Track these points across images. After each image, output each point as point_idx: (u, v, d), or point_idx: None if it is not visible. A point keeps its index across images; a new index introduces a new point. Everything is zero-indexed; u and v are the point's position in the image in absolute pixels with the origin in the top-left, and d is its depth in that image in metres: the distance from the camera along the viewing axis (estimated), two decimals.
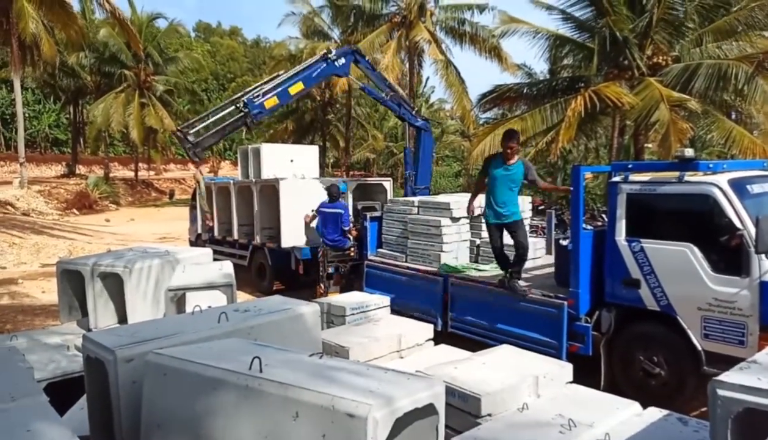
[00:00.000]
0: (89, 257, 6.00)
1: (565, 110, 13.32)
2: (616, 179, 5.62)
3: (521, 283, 6.08)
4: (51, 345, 4.68)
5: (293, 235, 10.16)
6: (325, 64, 9.51)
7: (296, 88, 9.25)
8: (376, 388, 2.09)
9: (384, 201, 10.85)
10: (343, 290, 8.53)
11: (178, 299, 4.71)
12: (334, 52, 9.76)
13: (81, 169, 39.24)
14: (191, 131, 8.69)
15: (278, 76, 9.43)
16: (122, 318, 5.62)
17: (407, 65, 22.84)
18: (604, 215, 8.75)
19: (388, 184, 11.72)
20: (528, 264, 6.88)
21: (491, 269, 6.86)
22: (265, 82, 9.30)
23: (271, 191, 10.58)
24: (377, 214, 8.79)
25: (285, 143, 33.91)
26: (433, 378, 2.43)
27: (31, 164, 34.33)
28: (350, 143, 33.73)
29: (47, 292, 10.29)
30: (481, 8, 21.02)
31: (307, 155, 12.20)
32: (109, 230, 20.06)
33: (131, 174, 39.66)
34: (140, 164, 40.63)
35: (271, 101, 8.93)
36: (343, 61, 9.60)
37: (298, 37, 29.04)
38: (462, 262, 7.18)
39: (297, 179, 11.09)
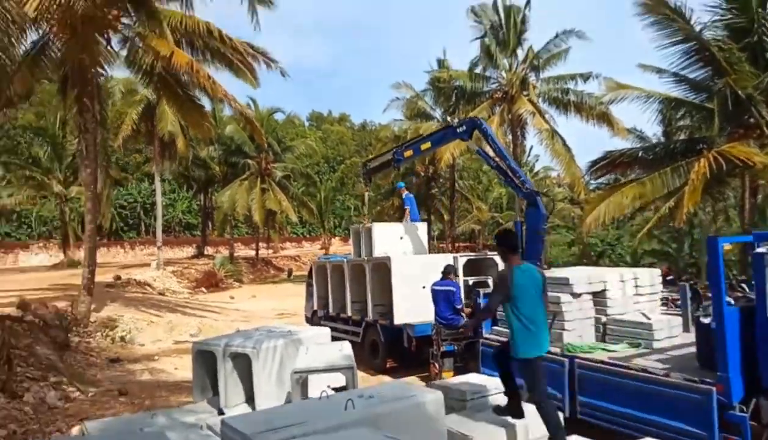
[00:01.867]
0: (221, 338, 6.35)
1: (687, 172, 12.51)
2: (762, 250, 5.06)
3: None
4: (186, 424, 4.93)
5: (406, 312, 10.14)
6: (451, 130, 10.73)
7: (426, 145, 11.30)
8: None
9: (496, 276, 10.61)
10: (457, 370, 8.28)
11: (302, 381, 4.80)
12: (456, 120, 11.13)
13: (209, 250, 42.61)
14: (369, 165, 12.85)
15: (416, 138, 12.42)
16: (249, 397, 5.82)
17: (510, 137, 22.88)
18: (744, 285, 7.86)
19: (498, 258, 11.44)
20: (664, 343, 6.31)
21: (622, 350, 6.33)
22: (408, 141, 12.71)
23: (383, 268, 10.75)
24: (490, 290, 8.55)
25: (392, 219, 35.01)
26: None
27: (166, 247, 37.90)
28: (455, 215, 33.88)
29: (180, 368, 10.97)
30: (585, 77, 20.84)
31: (416, 231, 12.34)
32: (233, 307, 21.28)
33: (252, 253, 42.36)
34: (260, 244, 43.33)
35: (408, 153, 11.44)
36: (464, 128, 10.43)
37: (401, 119, 30.37)
38: (587, 341, 6.71)
39: (408, 256, 11.19)
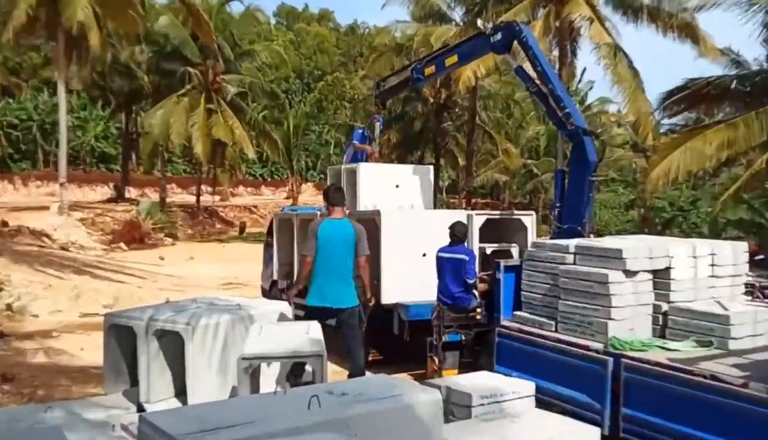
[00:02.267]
0: (144, 309, 6.40)
1: None
2: None
3: None
4: (93, 422, 5.03)
5: (398, 287, 10.20)
6: (483, 40, 11.04)
7: (451, 60, 11.57)
8: None
9: (524, 244, 10.69)
10: (464, 369, 8.43)
11: (252, 370, 4.89)
12: (489, 27, 11.43)
13: (132, 192, 42.59)
14: (383, 84, 13.34)
15: (438, 50, 13.24)
16: (180, 390, 5.93)
17: (556, 52, 22.66)
18: None
19: (529, 220, 11.50)
20: (746, 344, 6.42)
21: (687, 349, 6.46)
22: (429, 54, 13.00)
23: (369, 226, 10.77)
24: (514, 262, 8.63)
25: (387, 161, 34.94)
26: None
27: (72, 185, 37.74)
28: (473, 159, 33.81)
29: (87, 349, 11.11)
30: None
31: (418, 177, 12.33)
32: (163, 271, 21.40)
33: (192, 199, 42.40)
34: (204, 187, 43.27)
35: (429, 69, 11.76)
36: (498, 36, 10.49)
37: (407, 21, 29.90)
38: (641, 336, 6.82)
39: (404, 211, 11.19)
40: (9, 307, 13.88)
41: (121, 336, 6.17)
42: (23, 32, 28.94)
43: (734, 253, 7.53)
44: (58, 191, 30.79)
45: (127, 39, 34.27)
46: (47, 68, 40.98)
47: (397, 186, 11.77)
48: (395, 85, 13.16)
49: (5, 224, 24.44)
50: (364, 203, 11.35)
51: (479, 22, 12.10)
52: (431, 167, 13.49)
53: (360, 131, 14.01)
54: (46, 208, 30.91)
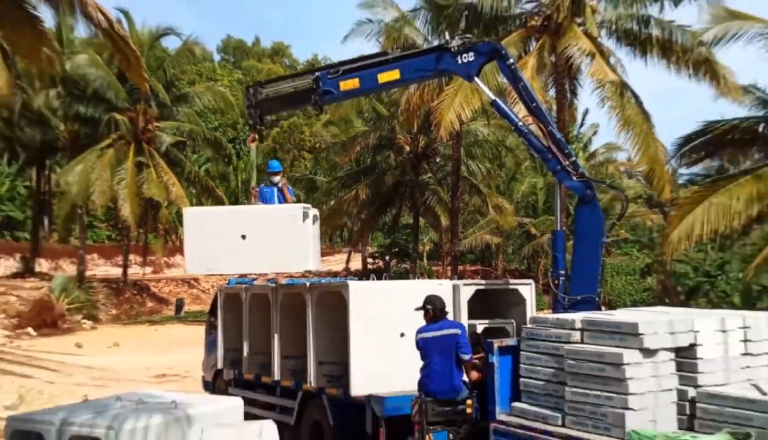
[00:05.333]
0: (55, 410, 6.31)
1: None
2: None
3: None
4: None
5: (370, 376, 10.17)
6: (441, 56, 10.14)
7: (389, 75, 10.20)
8: None
9: (522, 320, 10.71)
10: None
11: None
12: (457, 39, 10.16)
13: (43, 265, 42.08)
14: (262, 90, 10.66)
15: (369, 56, 10.83)
16: None
17: (552, 92, 23.11)
18: None
19: (527, 290, 11.59)
20: None
21: None
22: (351, 61, 10.62)
23: (335, 300, 10.77)
24: (511, 342, 8.64)
25: (356, 218, 34.91)
26: None
27: None
28: (459, 218, 34.00)
29: None
30: (676, 0, 21.17)
31: (285, 215, 10.70)
32: (81, 362, 21.05)
33: (118, 272, 41.97)
34: (132, 257, 42.89)
35: (349, 83, 10.11)
36: (470, 57, 9.98)
37: None
38: (665, 429, 6.82)
39: (377, 283, 11.22)
40: None
41: None
42: None
43: None
44: None
45: (40, 80, 34.43)
46: None
47: (243, 237, 9.86)
48: (287, 96, 11.19)
49: None
50: (194, 257, 10.16)
51: (447, 36, 10.17)
52: (297, 208, 10.93)
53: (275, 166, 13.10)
54: None
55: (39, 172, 43.26)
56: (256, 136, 11.53)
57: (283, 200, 12.03)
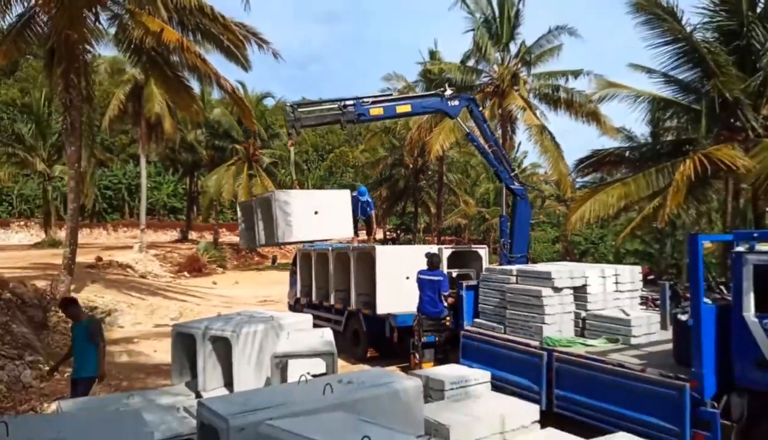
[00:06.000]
0: (201, 321, 6.33)
1: (672, 174, 12.62)
2: (740, 248, 5.15)
3: None
4: (163, 406, 4.91)
5: (388, 302, 10.17)
6: (438, 99, 9.97)
7: (404, 108, 9.88)
8: None
9: (479, 269, 10.67)
10: (438, 362, 8.33)
11: (282, 365, 4.80)
12: (449, 91, 9.99)
13: (193, 235, 42.27)
14: (298, 109, 9.39)
15: (391, 94, 10.50)
16: (228, 381, 5.81)
17: (500, 131, 22.87)
18: (722, 287, 7.99)
19: (483, 251, 11.52)
20: (642, 340, 6.41)
21: (600, 345, 6.41)
22: (378, 96, 9.98)
23: (367, 257, 10.76)
24: (473, 282, 8.60)
25: (380, 207, 34.95)
26: None
27: (149, 230, 37.53)
28: (441, 208, 33.94)
29: (159, 351, 10.92)
30: (576, 74, 20.85)
31: (336, 202, 8.70)
32: (216, 293, 21.19)
33: (237, 239, 42.02)
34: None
35: (376, 110, 9.54)
36: (456, 103, 9.88)
37: None
38: (567, 335, 6.78)
39: (393, 247, 11.18)
40: (102, 320, 13.65)
41: (184, 341, 6.08)
42: (116, 120, 29.17)
43: (632, 274, 7.55)
44: (139, 234, 30.66)
45: (191, 124, 34.55)
46: (132, 146, 41.01)
47: (315, 213, 8.60)
48: (321, 116, 9.87)
49: (100, 259, 24.19)
50: (282, 232, 8.36)
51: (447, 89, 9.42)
52: (347, 192, 9.24)
53: (362, 190, 12.99)
54: (130, 247, 30.71)
55: (190, 179, 43.33)
56: (293, 140, 9.98)
57: (367, 207, 12.31)
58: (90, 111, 21.93)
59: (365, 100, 9.43)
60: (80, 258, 16.86)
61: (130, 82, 28.34)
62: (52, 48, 14.49)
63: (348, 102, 9.38)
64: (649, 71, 14.17)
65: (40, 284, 13.95)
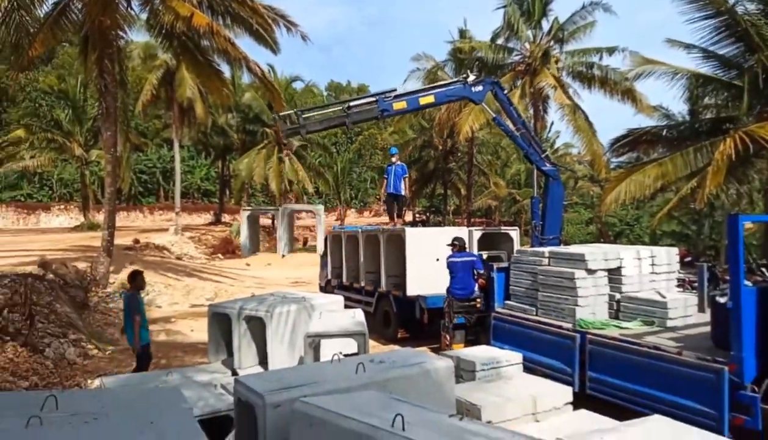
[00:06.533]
0: (236, 301, 6.46)
1: (711, 153, 12.23)
2: None
3: None
4: (200, 383, 5.05)
5: (419, 283, 10.19)
6: (461, 86, 9.67)
7: (427, 99, 9.57)
8: None
9: (510, 251, 10.57)
10: (468, 343, 8.34)
11: (315, 345, 4.88)
12: (472, 77, 9.75)
13: (226, 217, 42.97)
14: (303, 116, 9.16)
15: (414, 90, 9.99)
16: (263, 360, 5.94)
17: (531, 111, 22.49)
18: (763, 269, 7.75)
19: (514, 233, 11.42)
20: (678, 323, 6.29)
21: (635, 327, 6.31)
22: (400, 93, 9.58)
23: (397, 239, 10.78)
24: (504, 264, 8.54)
25: (409, 190, 34.84)
26: None
27: (184, 213, 38.26)
28: (471, 190, 33.62)
29: (196, 330, 11.21)
30: (611, 51, 20.24)
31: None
32: (249, 274, 21.56)
33: (269, 222, 42.60)
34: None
35: (400, 104, 9.35)
36: (480, 88, 9.62)
37: None
38: (600, 318, 6.69)
39: (422, 229, 11.17)
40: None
41: (220, 321, 6.23)
42: (149, 105, 29.73)
43: (668, 256, 7.38)
44: (174, 217, 31.31)
45: (222, 109, 34.92)
46: (166, 131, 41.69)
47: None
48: (326, 120, 9.51)
49: (137, 241, 24.85)
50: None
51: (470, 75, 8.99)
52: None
53: (393, 151, 13.05)
54: (165, 230, 31.39)
55: (222, 163, 43.94)
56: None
57: (400, 176, 11.95)
58: (124, 96, 22.41)
59: (387, 95, 9.22)
60: (118, 240, 17.36)
61: (162, 67, 28.75)
62: (86, 35, 14.78)
63: (357, 102, 9.39)
64: (688, 47, 13.68)
65: (81, 265, 14.42)
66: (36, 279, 11.40)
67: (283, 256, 7.45)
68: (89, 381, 7.77)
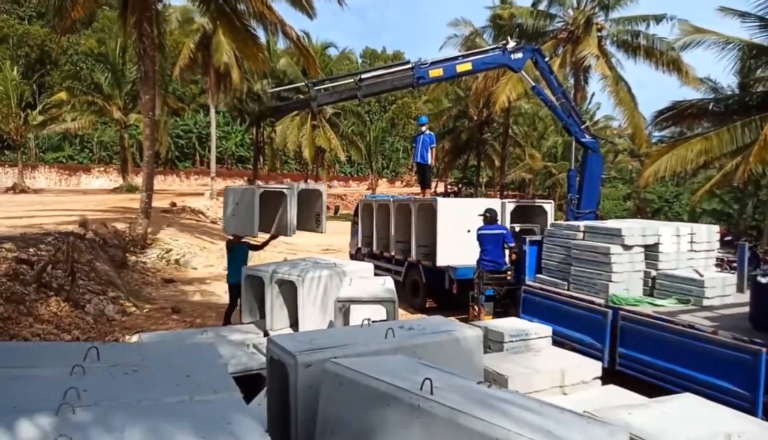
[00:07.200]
0: (269, 265, 6.59)
1: (760, 128, 11.73)
2: None
3: None
4: (234, 342, 5.21)
5: (449, 254, 10.19)
6: (500, 53, 9.37)
7: (464, 67, 9.28)
8: (554, 429, 1.97)
9: (544, 224, 10.45)
10: (497, 315, 8.34)
11: (345, 310, 4.96)
12: (512, 43, 9.43)
13: (259, 184, 43.55)
14: (314, 88, 8.99)
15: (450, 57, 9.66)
16: (294, 322, 6.08)
17: (572, 81, 21.83)
18: None
19: (548, 206, 11.25)
20: (715, 302, 6.14)
21: (670, 305, 6.20)
22: (437, 60, 9.32)
23: (428, 209, 10.75)
24: (537, 238, 8.44)
25: (442, 160, 34.54)
26: (616, 426, 2.23)
27: (219, 178, 38.84)
28: (506, 162, 33.07)
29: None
30: (658, 19, 19.34)
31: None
32: (280, 239, 21.77)
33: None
34: (309, 181, 43.87)
35: (436, 72, 9.10)
36: (519, 55, 9.32)
37: None
38: (634, 294, 6.58)
39: (453, 199, 11.09)
40: (177, 262, 14.49)
41: (253, 283, 6.37)
42: (186, 70, 29.98)
43: (708, 234, 7.17)
44: (209, 182, 31.88)
45: (257, 75, 35.01)
46: (203, 96, 42.15)
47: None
48: (337, 93, 9.27)
49: (174, 204, 25.41)
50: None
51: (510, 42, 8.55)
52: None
53: (422, 120, 12.75)
54: (201, 194, 32.02)
55: (257, 129, 44.30)
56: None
57: (427, 145, 11.78)
58: (162, 60, 22.66)
59: (423, 63, 8.96)
60: (156, 203, 17.76)
61: (199, 31, 28.87)
62: None
63: (369, 74, 9.05)
64: (743, 15, 13.02)
65: (120, 226, 14.87)
66: (77, 238, 11.84)
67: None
68: (127, 337, 8.09)
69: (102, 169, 45.01)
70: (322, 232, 8.28)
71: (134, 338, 7.43)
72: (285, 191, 7.37)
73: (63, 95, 32.68)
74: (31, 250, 9.81)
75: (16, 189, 32.32)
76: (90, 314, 8.73)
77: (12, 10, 46.80)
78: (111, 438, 1.84)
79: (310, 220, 8.10)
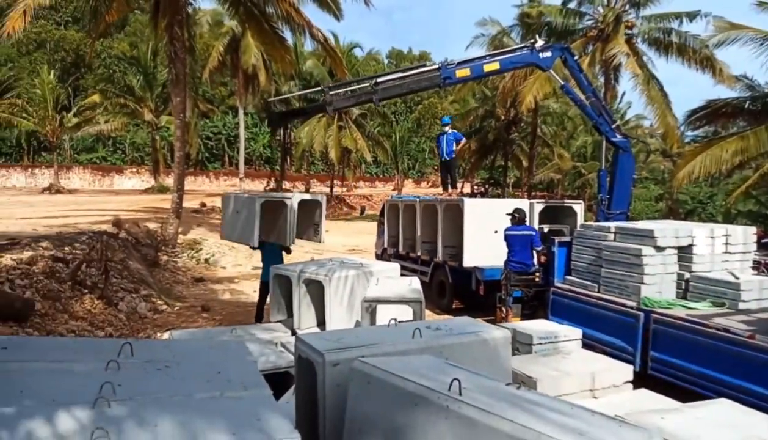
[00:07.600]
0: (296, 264, 6.64)
1: None
2: None
3: None
4: (262, 340, 5.27)
5: (476, 255, 10.09)
6: (528, 52, 9.21)
7: (491, 66, 9.12)
8: (586, 431, 1.94)
9: (573, 225, 10.29)
10: (524, 317, 8.25)
11: (371, 309, 4.97)
12: (540, 42, 9.25)
13: (287, 184, 43.99)
14: (330, 92, 8.80)
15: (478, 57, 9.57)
16: (320, 322, 6.12)
17: (602, 80, 21.47)
18: None
19: (578, 207, 11.07)
20: (751, 305, 5.96)
21: (704, 308, 6.04)
22: (463, 60, 9.21)
23: (455, 210, 10.69)
24: (566, 239, 8.32)
25: (468, 160, 34.34)
26: (648, 430, 2.18)
27: (247, 179, 39.50)
28: (534, 162, 32.68)
29: (258, 291, 11.61)
30: (692, 16, 18.89)
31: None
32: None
33: (327, 190, 43.30)
34: (335, 181, 44.14)
35: (463, 72, 8.97)
36: (548, 54, 9.15)
37: None
38: (666, 297, 6.44)
39: (480, 200, 11.01)
40: (206, 261, 14.74)
41: (281, 283, 6.43)
42: (215, 72, 30.51)
43: (744, 235, 6.97)
44: (238, 183, 32.36)
45: (284, 76, 35.38)
46: (231, 98, 42.82)
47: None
48: (354, 96, 9.25)
49: (204, 204, 25.88)
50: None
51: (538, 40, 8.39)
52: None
53: (445, 120, 12.70)
54: None
55: (284, 130, 44.66)
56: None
57: (452, 141, 11.74)
58: (192, 63, 23.06)
59: (450, 63, 8.86)
60: (186, 203, 18.11)
61: (228, 34, 29.35)
62: (157, 1, 15.24)
63: (386, 78, 8.92)
64: None
65: (152, 226, 15.20)
66: (111, 237, 12.14)
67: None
68: (159, 334, 8.26)
69: (134, 170, 46.05)
70: (320, 242, 8.39)
71: (166, 335, 7.58)
72: (286, 200, 7.43)
73: (96, 98, 33.58)
74: (66, 249, 10.10)
75: (52, 189, 33.33)
76: (123, 311, 8.95)
77: (49, 16, 48.22)
78: (144, 432, 1.89)
79: (309, 230, 8.32)
